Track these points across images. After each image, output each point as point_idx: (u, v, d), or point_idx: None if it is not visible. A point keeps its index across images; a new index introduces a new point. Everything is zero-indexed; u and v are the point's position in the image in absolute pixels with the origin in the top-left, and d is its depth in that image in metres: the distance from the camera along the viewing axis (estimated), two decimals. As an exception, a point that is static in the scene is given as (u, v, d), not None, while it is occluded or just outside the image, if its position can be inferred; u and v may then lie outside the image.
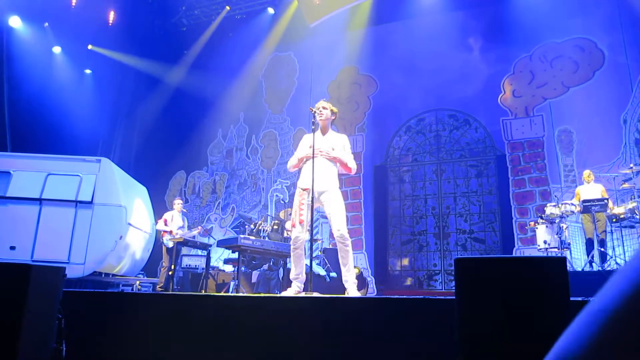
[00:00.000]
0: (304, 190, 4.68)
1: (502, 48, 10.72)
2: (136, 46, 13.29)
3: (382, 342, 3.01)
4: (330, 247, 9.95)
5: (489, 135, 10.69)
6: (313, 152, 4.63)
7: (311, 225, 4.57)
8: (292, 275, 4.77)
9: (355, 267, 8.22)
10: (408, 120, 11.50)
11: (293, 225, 4.66)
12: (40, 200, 8.50)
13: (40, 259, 7.84)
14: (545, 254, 7.29)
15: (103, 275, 9.00)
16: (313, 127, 4.71)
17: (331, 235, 10.87)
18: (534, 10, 10.38)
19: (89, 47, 12.88)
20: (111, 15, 12.43)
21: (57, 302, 3.27)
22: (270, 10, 12.80)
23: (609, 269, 7.01)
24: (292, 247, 4.74)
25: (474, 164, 10.77)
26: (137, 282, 9.31)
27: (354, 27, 12.05)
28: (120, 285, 9.28)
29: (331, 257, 8.54)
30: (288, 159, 12.38)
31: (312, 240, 4.62)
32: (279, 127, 13.00)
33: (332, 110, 4.92)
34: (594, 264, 7.42)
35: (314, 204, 4.58)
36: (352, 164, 4.92)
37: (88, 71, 13.18)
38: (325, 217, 10.01)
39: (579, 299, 2.77)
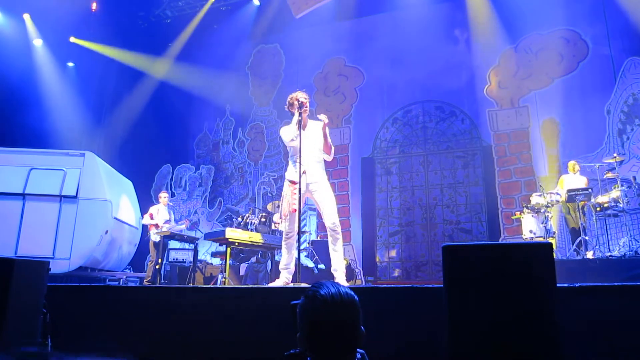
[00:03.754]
0: (292, 182, 4.67)
1: (487, 40, 10.76)
2: (119, 38, 13.09)
3: (371, 331, 3.02)
4: (318, 239, 9.95)
5: (475, 127, 10.74)
6: (300, 147, 4.59)
7: (299, 217, 4.56)
8: (281, 265, 4.78)
9: (343, 258, 8.23)
10: (395, 112, 11.51)
11: (285, 215, 4.65)
12: (23, 195, 8.37)
13: (24, 255, 7.73)
14: (530, 243, 7.35)
15: (89, 270, 8.91)
16: (300, 118, 4.67)
17: (319, 227, 10.91)
18: (519, 1, 10.42)
19: (71, 39, 12.66)
20: (94, 4, 12.20)
21: (42, 297, 3.22)
22: (256, 2, 12.67)
23: (592, 257, 7.10)
24: (284, 237, 4.74)
25: (460, 155, 10.82)
26: (124, 277, 9.24)
27: (340, 18, 12.00)
28: (107, 280, 9.19)
29: (319, 249, 8.54)
30: (275, 151, 12.47)
31: (299, 232, 4.62)
32: (266, 120, 12.93)
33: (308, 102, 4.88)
34: (576, 252, 7.51)
35: (301, 195, 4.57)
36: (332, 153, 4.88)
37: (70, 64, 12.97)
38: (313, 210, 10.03)
39: (565, 285, 2.80)
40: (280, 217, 4.79)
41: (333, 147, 4.88)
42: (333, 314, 1.43)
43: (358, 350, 1.55)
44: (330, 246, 4.69)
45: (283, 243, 4.79)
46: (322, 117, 4.69)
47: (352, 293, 1.50)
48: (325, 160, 4.92)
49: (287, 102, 4.85)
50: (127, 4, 12.86)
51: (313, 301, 1.46)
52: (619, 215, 7.63)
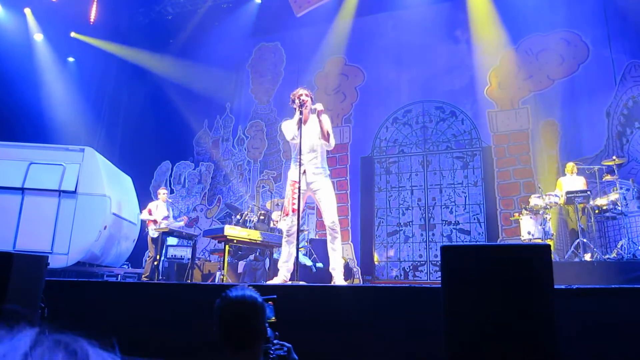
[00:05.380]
0: (293, 182, 4.67)
1: (488, 40, 10.76)
2: (120, 34, 13.07)
3: (368, 330, 3.02)
4: (317, 237, 9.96)
5: (474, 127, 10.75)
6: (300, 145, 4.59)
7: (298, 215, 4.56)
8: (281, 261, 4.78)
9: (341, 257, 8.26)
10: (395, 111, 11.51)
11: (286, 214, 4.67)
12: (22, 190, 8.36)
13: (22, 249, 7.72)
14: (529, 245, 7.35)
15: (87, 266, 8.91)
16: (300, 116, 4.66)
17: (317, 226, 10.90)
18: (520, 2, 10.42)
19: (72, 34, 12.64)
20: (93, 11, 12.16)
21: (40, 291, 3.22)
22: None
23: (590, 259, 7.12)
24: (285, 234, 4.75)
25: (459, 156, 10.83)
26: (122, 273, 9.24)
27: (342, 17, 11.99)
28: (105, 276, 9.20)
29: (317, 248, 8.54)
30: (274, 149, 12.46)
31: (298, 231, 4.62)
32: (266, 118, 12.93)
33: (311, 98, 4.89)
34: (574, 254, 7.51)
35: (300, 194, 4.57)
36: (332, 140, 4.83)
37: (71, 59, 12.95)
38: (312, 208, 10.03)
39: (563, 286, 2.81)
40: (282, 216, 4.81)
41: (332, 135, 4.81)
42: (235, 311, 1.76)
43: (285, 344, 1.91)
44: (329, 245, 4.70)
45: (284, 241, 4.80)
46: (317, 105, 4.71)
47: (256, 296, 1.82)
48: (327, 156, 4.93)
49: (290, 99, 4.88)
50: (128, 0, 12.85)
51: (223, 300, 1.79)
52: (618, 218, 7.65)
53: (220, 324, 1.76)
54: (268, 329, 1.95)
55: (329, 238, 4.70)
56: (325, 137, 4.75)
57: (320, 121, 4.74)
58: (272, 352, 1.88)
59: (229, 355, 1.72)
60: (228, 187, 12.87)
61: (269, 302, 2.08)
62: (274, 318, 2.07)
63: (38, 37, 12.14)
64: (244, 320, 1.75)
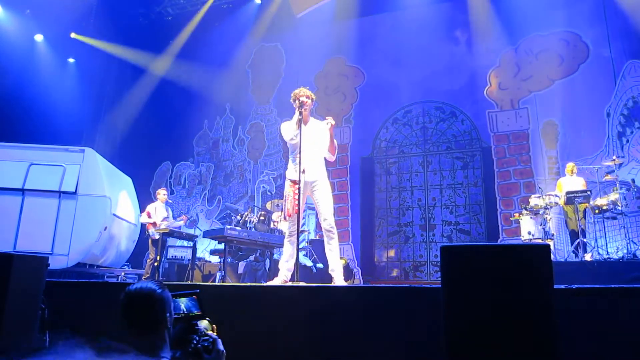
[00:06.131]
0: (293, 182, 4.66)
1: (488, 41, 10.76)
2: (120, 35, 13.07)
3: (368, 330, 3.03)
4: (317, 238, 9.96)
5: (474, 128, 10.75)
6: (300, 145, 4.59)
7: (299, 216, 4.56)
8: (281, 261, 4.78)
9: (341, 258, 8.27)
10: (395, 112, 11.51)
11: (289, 215, 4.66)
12: (22, 191, 8.37)
13: (23, 250, 7.73)
14: (529, 245, 7.35)
15: (87, 267, 8.91)
16: (300, 117, 4.66)
17: (317, 226, 10.90)
18: (519, 3, 10.42)
19: (72, 35, 12.64)
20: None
21: (40, 293, 3.22)
22: (257, 0, 12.67)
23: (590, 259, 7.11)
24: (287, 235, 4.75)
25: (459, 156, 10.83)
26: (122, 274, 9.23)
27: (341, 18, 11.98)
28: (105, 277, 9.19)
29: (318, 249, 8.53)
30: (274, 150, 12.46)
31: (298, 231, 4.62)
32: (266, 119, 12.93)
33: (312, 99, 4.90)
34: (574, 254, 7.51)
35: (300, 194, 4.56)
36: (335, 155, 4.98)
37: (71, 60, 12.95)
38: (312, 209, 10.05)
39: (562, 286, 2.81)
40: (285, 218, 4.80)
41: (337, 149, 4.96)
42: (131, 302, 1.92)
43: (212, 336, 2.00)
44: (326, 246, 4.70)
45: (286, 240, 4.79)
46: (330, 119, 4.73)
47: (155, 288, 1.96)
48: (325, 159, 4.95)
49: (291, 96, 4.88)
50: (128, 1, 12.86)
51: (124, 292, 1.95)
52: (618, 218, 7.64)
53: (121, 313, 1.93)
54: (202, 321, 2.09)
55: (326, 239, 4.70)
56: (333, 150, 4.90)
57: (331, 136, 4.81)
58: (195, 342, 1.97)
59: (132, 341, 1.82)
60: (228, 187, 12.87)
61: (193, 296, 2.15)
62: (197, 312, 2.13)
63: (38, 37, 12.16)
64: (139, 309, 1.91)
